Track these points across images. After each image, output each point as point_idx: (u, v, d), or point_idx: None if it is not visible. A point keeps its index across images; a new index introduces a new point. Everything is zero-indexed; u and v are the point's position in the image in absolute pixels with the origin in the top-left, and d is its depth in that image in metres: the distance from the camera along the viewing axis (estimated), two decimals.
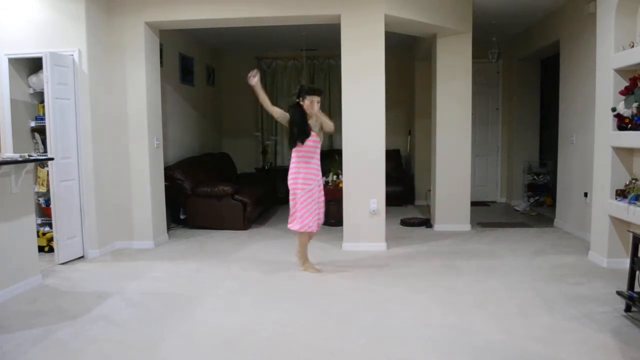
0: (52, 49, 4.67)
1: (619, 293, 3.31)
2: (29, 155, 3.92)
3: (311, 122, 4.24)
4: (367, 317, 3.30)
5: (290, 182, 4.28)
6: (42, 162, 4.72)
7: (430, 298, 3.65)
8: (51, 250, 4.84)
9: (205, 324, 3.22)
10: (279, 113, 4.27)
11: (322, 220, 4.40)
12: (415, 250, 5.11)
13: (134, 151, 5.25)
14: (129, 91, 5.20)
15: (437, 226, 6.09)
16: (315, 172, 4.27)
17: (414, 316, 3.31)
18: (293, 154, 4.29)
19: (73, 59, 4.78)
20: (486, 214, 7.11)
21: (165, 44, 6.29)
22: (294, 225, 4.27)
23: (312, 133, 4.21)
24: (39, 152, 5.06)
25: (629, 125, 4.01)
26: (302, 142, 4.19)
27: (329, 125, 4.29)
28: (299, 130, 4.19)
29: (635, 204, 3.92)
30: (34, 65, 4.99)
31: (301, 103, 4.23)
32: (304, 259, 4.41)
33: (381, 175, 5.11)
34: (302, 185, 4.22)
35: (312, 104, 4.19)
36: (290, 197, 4.28)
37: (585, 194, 5.34)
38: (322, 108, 4.29)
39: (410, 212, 7.29)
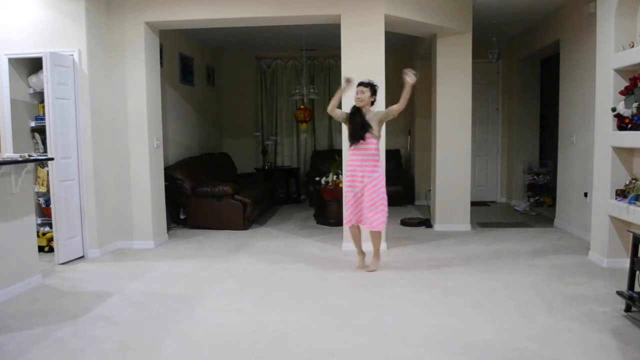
0: (52, 49, 4.67)
1: (619, 293, 3.31)
2: (29, 155, 3.92)
3: (368, 117, 4.24)
4: (367, 317, 3.30)
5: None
6: (42, 162, 4.72)
7: (430, 298, 3.66)
8: (51, 250, 4.84)
9: (205, 324, 3.22)
10: (338, 114, 4.30)
11: (368, 220, 4.22)
12: (415, 250, 5.11)
13: (134, 151, 5.25)
14: (128, 91, 5.20)
15: (437, 226, 6.09)
16: (360, 171, 4.21)
17: (413, 316, 3.31)
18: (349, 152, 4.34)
19: (73, 59, 4.78)
20: (486, 214, 7.11)
21: (165, 44, 6.29)
22: None
23: (367, 134, 4.17)
24: (39, 152, 5.06)
25: (629, 125, 4.01)
26: (357, 140, 4.19)
27: (397, 108, 4.31)
28: (352, 129, 4.23)
29: (635, 204, 3.92)
30: (34, 65, 4.99)
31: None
32: (357, 250, 4.54)
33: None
34: (348, 184, 4.30)
35: (356, 96, 4.23)
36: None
37: (585, 194, 5.34)
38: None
39: (410, 212, 7.29)
